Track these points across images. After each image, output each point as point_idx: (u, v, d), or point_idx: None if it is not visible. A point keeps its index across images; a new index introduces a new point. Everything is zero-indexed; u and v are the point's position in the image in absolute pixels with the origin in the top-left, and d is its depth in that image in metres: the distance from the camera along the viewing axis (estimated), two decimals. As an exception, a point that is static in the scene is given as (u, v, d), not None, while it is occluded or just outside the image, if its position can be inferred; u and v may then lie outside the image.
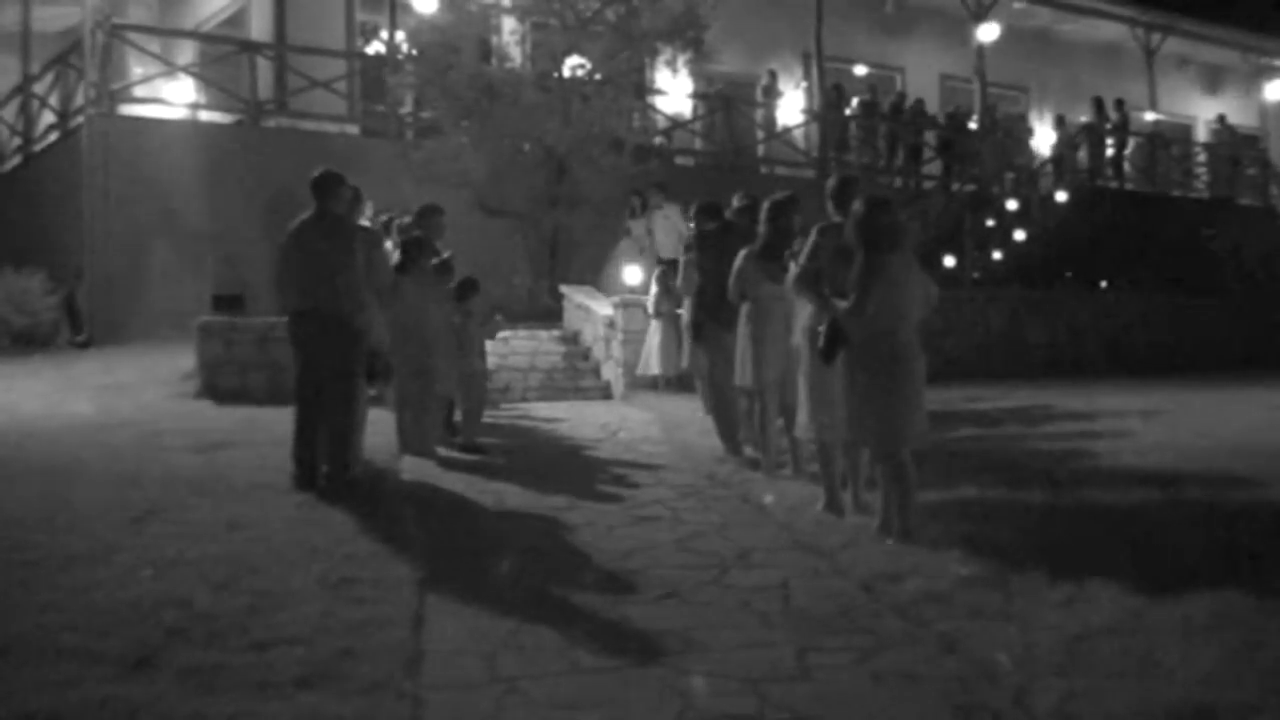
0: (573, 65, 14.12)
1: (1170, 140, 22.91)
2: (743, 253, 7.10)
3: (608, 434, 8.98)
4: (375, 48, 16.62)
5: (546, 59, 14.21)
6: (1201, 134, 25.17)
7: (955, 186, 19.82)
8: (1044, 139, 21.72)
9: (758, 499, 6.48)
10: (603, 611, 4.51)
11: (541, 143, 13.76)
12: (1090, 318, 15.38)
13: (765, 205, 7.20)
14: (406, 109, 15.70)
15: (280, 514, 5.81)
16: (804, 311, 6.10)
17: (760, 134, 19.02)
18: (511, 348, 11.70)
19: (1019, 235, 18.39)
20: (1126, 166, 21.30)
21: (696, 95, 18.08)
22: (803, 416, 6.16)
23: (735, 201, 8.21)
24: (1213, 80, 25.85)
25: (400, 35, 15.48)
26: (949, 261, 16.80)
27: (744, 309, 7.12)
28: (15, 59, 16.95)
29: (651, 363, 10.82)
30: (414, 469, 7.44)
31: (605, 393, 11.44)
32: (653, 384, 10.91)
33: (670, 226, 13.05)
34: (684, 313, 9.24)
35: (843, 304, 5.46)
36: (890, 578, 4.76)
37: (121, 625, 4.06)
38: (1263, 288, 17.50)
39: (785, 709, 3.55)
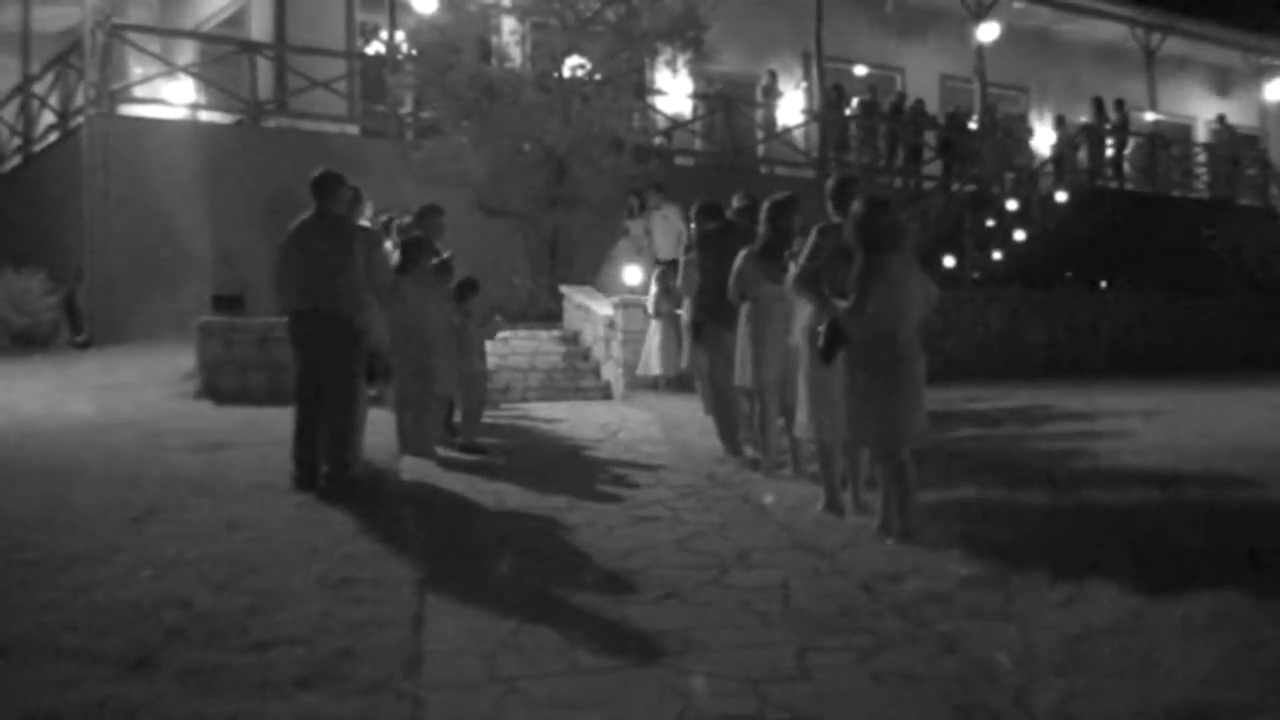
0: (573, 65, 14.12)
1: (1170, 140, 22.92)
2: (742, 253, 7.10)
3: (608, 434, 8.98)
4: (375, 48, 16.63)
5: (546, 59, 14.21)
6: (1201, 134, 25.18)
7: (955, 186, 19.83)
8: (1044, 139, 21.73)
9: (758, 499, 6.48)
10: (603, 611, 4.51)
11: (541, 143, 13.76)
12: (1090, 318, 15.37)
13: (765, 205, 7.20)
14: (406, 109, 15.70)
15: (280, 514, 5.82)
16: (804, 311, 6.10)
17: (760, 134, 19.02)
18: (511, 348, 11.71)
19: (1019, 235, 18.40)
20: (1126, 167, 21.31)
21: (696, 95, 18.08)
22: (802, 416, 6.16)
23: (735, 202, 8.21)
24: (1213, 80, 25.85)
25: (400, 35, 15.49)
26: (949, 261, 16.81)
27: (744, 309, 7.13)
28: (15, 59, 16.95)
29: (651, 363, 10.82)
30: (414, 469, 7.44)
31: (605, 393, 11.44)
32: (653, 384, 10.91)
33: (669, 227, 13.05)
34: (684, 313, 9.25)
35: (842, 304, 5.46)
36: (890, 578, 4.75)
37: (121, 625, 4.06)
38: (1263, 288, 17.50)
39: (785, 709, 3.55)
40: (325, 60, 15.24)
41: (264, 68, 15.20)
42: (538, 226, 13.98)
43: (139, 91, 15.16)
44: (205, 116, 15.39)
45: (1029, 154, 21.27)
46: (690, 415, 9.18)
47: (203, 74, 15.52)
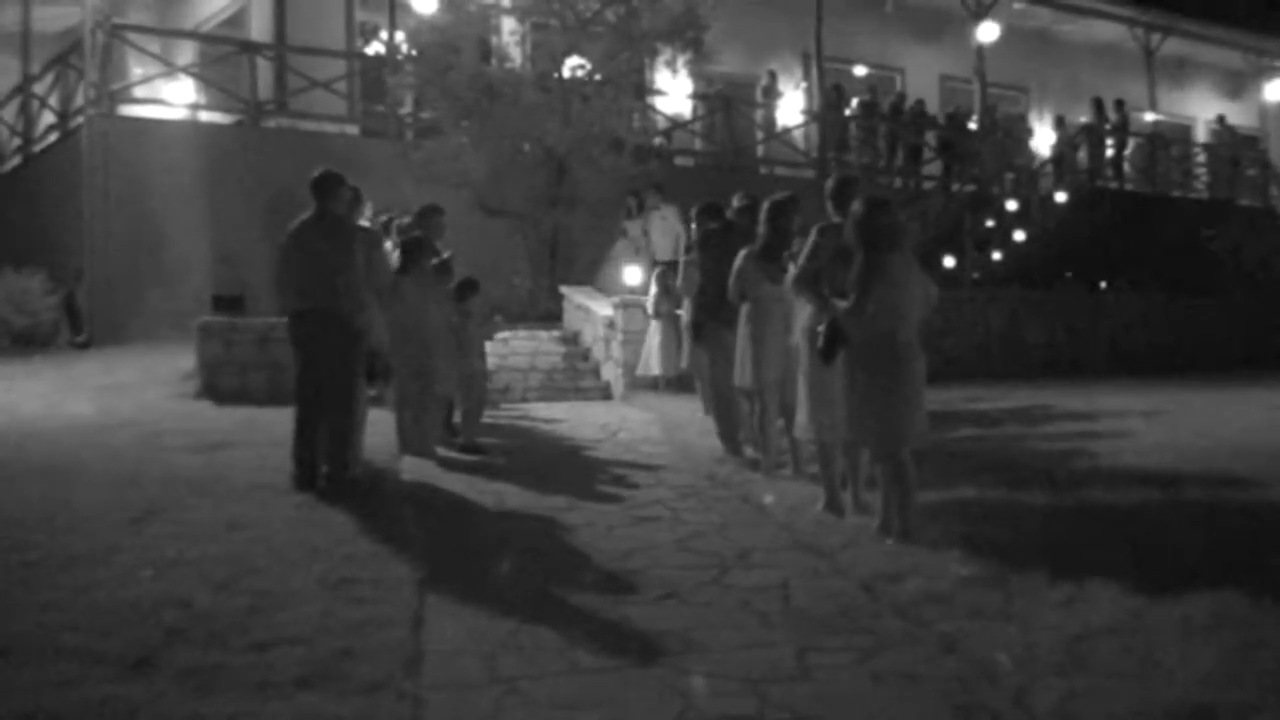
0: (573, 66, 14.12)
1: (1170, 141, 22.91)
2: (742, 253, 7.10)
3: (607, 434, 8.98)
4: (375, 48, 16.62)
5: (546, 59, 14.21)
6: (1201, 134, 25.18)
7: (955, 187, 19.83)
8: (1044, 139, 21.72)
9: (758, 499, 6.48)
10: (603, 611, 4.51)
11: (541, 143, 13.76)
12: (1090, 318, 15.37)
13: (765, 206, 7.20)
14: (406, 109, 15.70)
15: (280, 514, 5.81)
16: (803, 311, 6.10)
17: (760, 134, 19.02)
18: (511, 348, 11.71)
19: (1019, 235, 18.39)
20: (1126, 167, 21.30)
21: (696, 96, 18.07)
22: (802, 417, 6.16)
23: (735, 202, 8.22)
24: (1212, 80, 25.85)
25: (400, 35, 15.48)
26: (949, 261, 16.80)
27: (744, 309, 7.13)
28: (15, 59, 16.96)
29: (651, 363, 10.82)
30: (414, 469, 7.44)
31: (605, 393, 11.44)
32: (653, 384, 10.90)
33: (667, 228, 13.03)
34: (684, 313, 9.25)
35: (842, 304, 5.46)
36: (890, 578, 4.75)
37: (121, 625, 4.06)
38: (1263, 288, 17.49)
39: (785, 709, 3.55)
40: (325, 60, 15.24)
41: (264, 68, 15.20)
42: (538, 226, 13.98)
43: (139, 92, 15.16)
44: (205, 117, 15.39)
45: (1029, 154, 21.26)
46: (690, 415, 9.18)
47: (203, 74, 15.51)
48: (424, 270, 7.94)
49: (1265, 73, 25.87)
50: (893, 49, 21.10)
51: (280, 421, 7.20)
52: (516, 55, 14.50)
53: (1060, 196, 19.45)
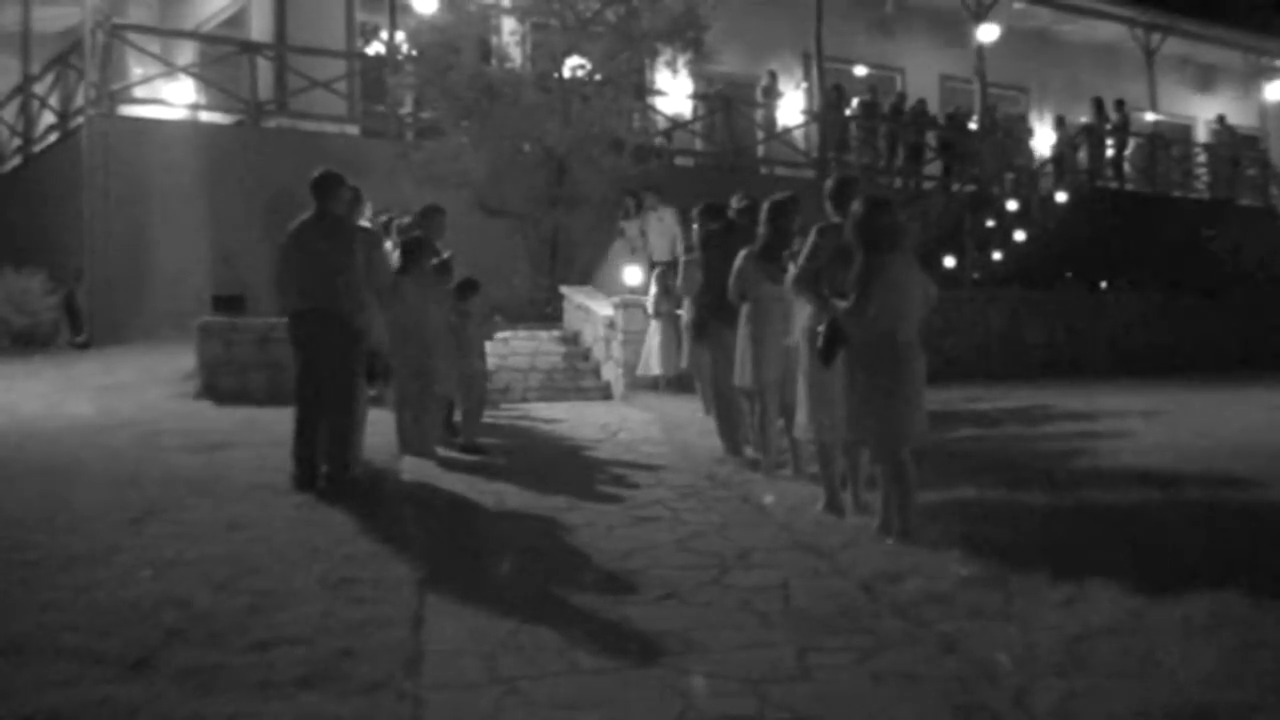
0: (573, 66, 14.12)
1: (1170, 141, 22.91)
2: (742, 253, 7.10)
3: (608, 434, 8.98)
4: (375, 48, 16.61)
5: (546, 59, 14.22)
6: (1201, 134, 25.17)
7: (955, 187, 19.82)
8: (1044, 139, 21.72)
9: (758, 499, 6.48)
10: (603, 612, 4.51)
11: (541, 143, 13.76)
12: (1090, 318, 15.37)
13: (765, 206, 7.20)
14: (406, 109, 15.69)
15: (280, 514, 5.82)
16: (803, 312, 6.10)
17: (760, 134, 19.02)
18: (511, 348, 11.71)
19: (1019, 235, 18.40)
20: (1126, 167, 21.30)
21: (696, 96, 18.08)
22: (802, 417, 6.16)
23: (735, 202, 8.22)
24: (1213, 80, 25.84)
25: (400, 35, 15.47)
26: (949, 261, 16.79)
27: (744, 309, 7.13)
28: (15, 59, 16.95)
29: (651, 363, 10.82)
30: (414, 469, 7.44)
31: (605, 393, 11.44)
32: (653, 384, 10.91)
33: (664, 229, 13.01)
34: (684, 313, 9.24)
35: (842, 304, 5.46)
36: (890, 578, 4.75)
37: (121, 625, 4.06)
38: (1263, 288, 17.49)
39: (785, 709, 3.55)
40: (325, 60, 15.24)
41: (264, 68, 15.20)
42: (538, 227, 13.98)
43: (139, 92, 15.15)
44: (205, 117, 15.38)
45: (1029, 154, 21.26)
46: (690, 415, 9.18)
47: (203, 74, 15.51)
48: (424, 270, 7.94)
49: (1265, 73, 25.88)
50: (893, 49, 21.11)
51: (280, 421, 7.20)
52: (516, 55, 14.50)
53: (1060, 196, 19.46)
